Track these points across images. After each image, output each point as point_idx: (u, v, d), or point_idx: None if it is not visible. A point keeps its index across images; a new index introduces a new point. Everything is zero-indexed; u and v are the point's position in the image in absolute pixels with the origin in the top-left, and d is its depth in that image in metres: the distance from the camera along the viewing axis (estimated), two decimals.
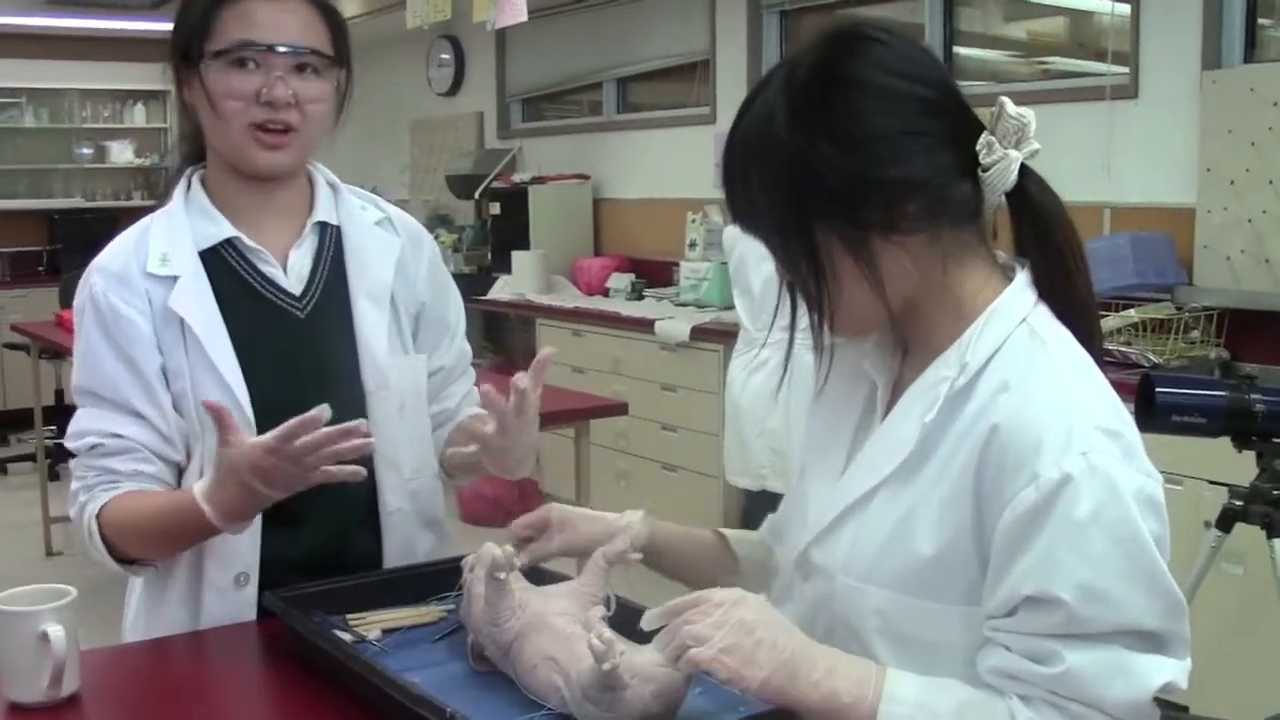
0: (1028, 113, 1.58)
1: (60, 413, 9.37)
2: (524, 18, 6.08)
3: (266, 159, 2.16)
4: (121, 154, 12.01)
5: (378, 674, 1.70)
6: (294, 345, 2.21)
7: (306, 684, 1.90)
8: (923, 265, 1.58)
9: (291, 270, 2.25)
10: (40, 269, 11.60)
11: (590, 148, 8.83)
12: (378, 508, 2.27)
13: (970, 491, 1.51)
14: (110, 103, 12.01)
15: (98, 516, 2.12)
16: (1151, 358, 4.69)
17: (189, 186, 2.25)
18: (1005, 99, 1.59)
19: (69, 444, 2.17)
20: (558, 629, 1.72)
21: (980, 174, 1.57)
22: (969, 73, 6.52)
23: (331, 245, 2.29)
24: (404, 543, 2.30)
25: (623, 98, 8.91)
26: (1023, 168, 1.58)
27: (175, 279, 2.15)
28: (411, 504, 2.31)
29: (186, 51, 2.13)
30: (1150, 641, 1.44)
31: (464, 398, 2.44)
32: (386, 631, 1.98)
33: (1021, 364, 1.53)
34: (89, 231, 11.28)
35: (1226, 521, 3.50)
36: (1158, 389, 2.92)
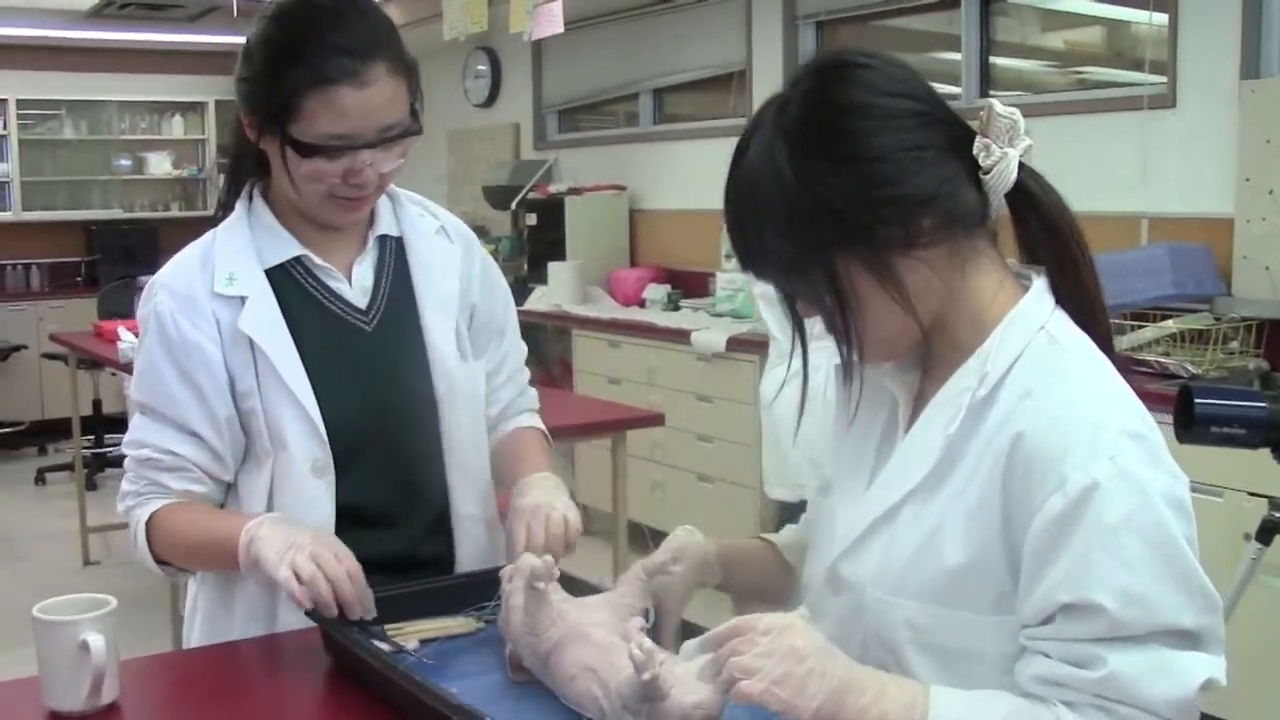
0: (1015, 111, 1.59)
1: (98, 423, 9.44)
2: (560, 29, 6.10)
3: (342, 218, 2.20)
4: (160, 165, 12.07)
5: (416, 684, 1.70)
6: (362, 358, 2.24)
7: (345, 694, 1.90)
8: (945, 277, 1.59)
9: (356, 284, 2.27)
10: (78, 279, 11.67)
11: (626, 159, 8.83)
12: (450, 514, 2.30)
13: (997, 500, 1.52)
14: (149, 115, 12.08)
15: (146, 522, 2.17)
16: (1190, 369, 4.66)
17: (250, 200, 2.26)
18: (993, 100, 1.60)
19: (125, 450, 2.21)
20: (596, 639, 1.72)
21: (983, 177, 1.58)
22: (1006, 83, 6.49)
23: (393, 257, 2.31)
24: (475, 546, 2.33)
25: (659, 109, 8.90)
26: (1020, 165, 1.59)
27: (243, 299, 2.17)
28: (481, 509, 2.34)
29: (267, 119, 2.09)
30: (1189, 639, 1.45)
31: (508, 405, 2.47)
32: (424, 641, 1.98)
33: (1043, 371, 1.54)
34: (127, 242, 11.41)
35: (1266, 534, 3.47)
36: (1196, 400, 2.89)
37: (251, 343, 2.15)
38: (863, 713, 1.46)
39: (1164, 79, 5.45)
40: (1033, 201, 1.61)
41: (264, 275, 2.20)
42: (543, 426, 2.52)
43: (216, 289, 2.17)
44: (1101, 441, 1.45)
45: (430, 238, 2.35)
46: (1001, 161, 1.57)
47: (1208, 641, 1.46)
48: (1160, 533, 1.43)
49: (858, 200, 1.53)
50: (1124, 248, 5.31)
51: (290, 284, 2.22)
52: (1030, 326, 1.58)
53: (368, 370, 2.23)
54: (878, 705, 1.46)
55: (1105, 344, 1.61)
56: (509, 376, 2.46)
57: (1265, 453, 3.04)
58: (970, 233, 1.59)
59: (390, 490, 2.24)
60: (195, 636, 2.29)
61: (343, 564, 1.97)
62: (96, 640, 1.79)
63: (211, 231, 2.26)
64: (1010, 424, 1.51)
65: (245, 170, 2.29)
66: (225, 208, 2.29)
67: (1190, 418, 2.90)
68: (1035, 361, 1.55)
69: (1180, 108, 5.40)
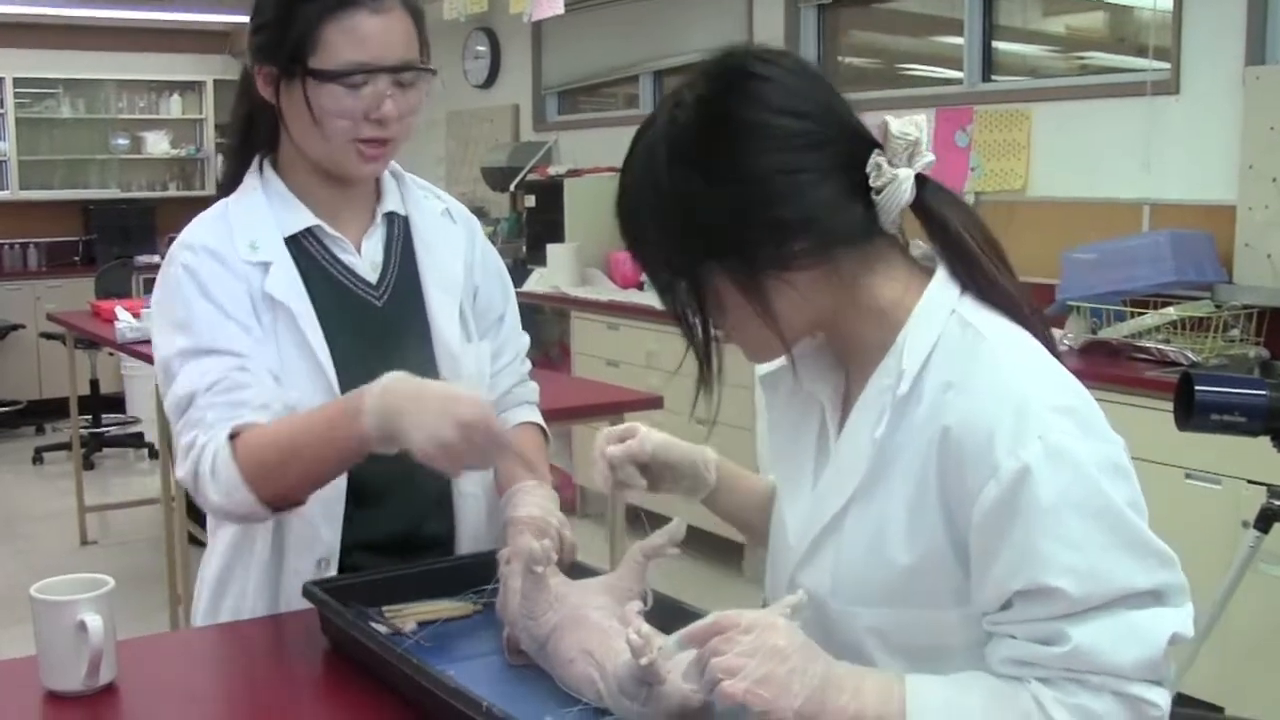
0: (915, 128, 1.57)
1: (96, 403, 9.44)
2: (560, 10, 6.09)
3: (365, 169, 2.20)
4: (157, 145, 12.04)
5: (413, 666, 1.70)
6: (373, 332, 2.24)
7: (343, 675, 1.90)
8: (820, 295, 1.57)
9: (366, 258, 2.28)
10: (76, 259, 11.65)
11: (626, 141, 8.68)
12: (451, 492, 2.31)
13: (935, 496, 1.51)
14: (146, 94, 12.06)
15: (230, 444, 2.03)
16: (1190, 356, 4.65)
17: (261, 172, 2.26)
18: (889, 118, 1.58)
19: (178, 392, 2.09)
20: (594, 623, 1.71)
21: (874, 197, 1.56)
22: (1008, 68, 6.47)
23: (400, 235, 2.32)
24: (475, 526, 2.33)
25: (659, 91, 8.87)
26: (921, 179, 1.57)
27: (267, 265, 2.17)
28: (483, 488, 2.34)
29: (286, 60, 2.10)
30: (1149, 598, 1.44)
31: (506, 392, 2.45)
32: (422, 624, 1.98)
33: (961, 359, 1.52)
34: (124, 222, 11.41)
35: (1265, 521, 3.47)
36: (1197, 387, 2.90)
37: (274, 308, 2.15)
38: (842, 710, 1.45)
39: (1168, 65, 5.43)
40: (933, 217, 1.60)
41: (284, 243, 2.20)
42: (541, 422, 2.52)
43: (241, 255, 2.16)
44: (1028, 422, 1.44)
45: (435, 218, 2.36)
46: (892, 183, 1.55)
47: (1169, 595, 1.46)
48: (1098, 502, 1.43)
49: (728, 217, 1.52)
50: (1125, 234, 5.31)
51: (305, 255, 2.22)
52: (940, 315, 1.56)
53: (377, 345, 2.22)
54: (856, 700, 1.45)
55: (1035, 326, 1.59)
56: (506, 364, 2.45)
57: (1264, 440, 3.05)
58: (858, 246, 1.57)
59: (393, 466, 2.22)
60: (204, 610, 2.28)
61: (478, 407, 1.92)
62: (94, 620, 1.79)
63: (222, 202, 2.25)
64: (936, 418, 1.50)
65: (254, 142, 2.28)
66: (226, 187, 2.28)
67: (1191, 405, 2.91)
68: (951, 350, 1.54)
69: (1184, 94, 5.38)
